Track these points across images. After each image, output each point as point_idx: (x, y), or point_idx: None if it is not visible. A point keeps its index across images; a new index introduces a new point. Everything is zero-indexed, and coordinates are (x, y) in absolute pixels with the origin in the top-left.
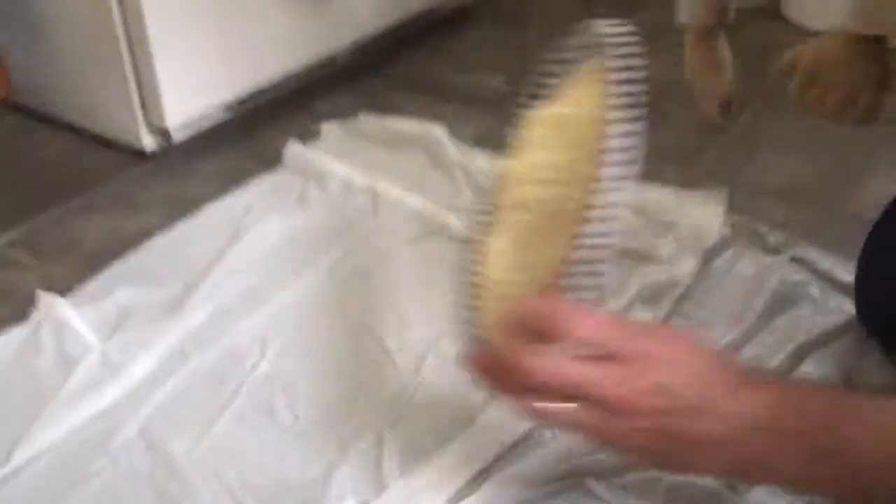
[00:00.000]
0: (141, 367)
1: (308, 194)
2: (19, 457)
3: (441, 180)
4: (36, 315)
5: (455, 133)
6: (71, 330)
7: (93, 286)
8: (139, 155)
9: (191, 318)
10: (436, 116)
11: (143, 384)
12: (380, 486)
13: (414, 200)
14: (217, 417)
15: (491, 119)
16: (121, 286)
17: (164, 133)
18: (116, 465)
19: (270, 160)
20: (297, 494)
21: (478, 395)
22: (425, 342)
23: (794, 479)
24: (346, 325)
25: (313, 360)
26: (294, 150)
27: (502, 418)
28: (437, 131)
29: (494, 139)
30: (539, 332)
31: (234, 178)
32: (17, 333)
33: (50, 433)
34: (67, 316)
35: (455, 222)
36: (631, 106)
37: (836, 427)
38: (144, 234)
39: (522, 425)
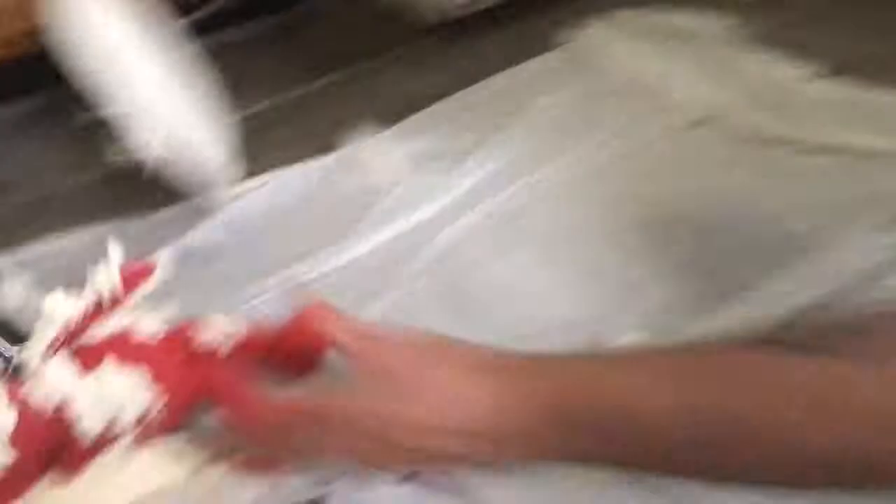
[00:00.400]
0: (434, 206)
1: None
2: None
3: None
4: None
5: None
6: (373, 165)
7: (387, 135)
8: (421, 28)
9: (478, 170)
10: None
11: (435, 220)
12: None
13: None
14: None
15: None
16: (414, 137)
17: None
18: (413, 284)
19: (545, 46)
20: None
21: None
22: None
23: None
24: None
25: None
26: (581, 35)
27: None
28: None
29: None
30: None
31: (510, 59)
32: (320, 165)
33: (348, 252)
34: (370, 155)
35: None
36: None
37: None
38: (431, 99)
39: None
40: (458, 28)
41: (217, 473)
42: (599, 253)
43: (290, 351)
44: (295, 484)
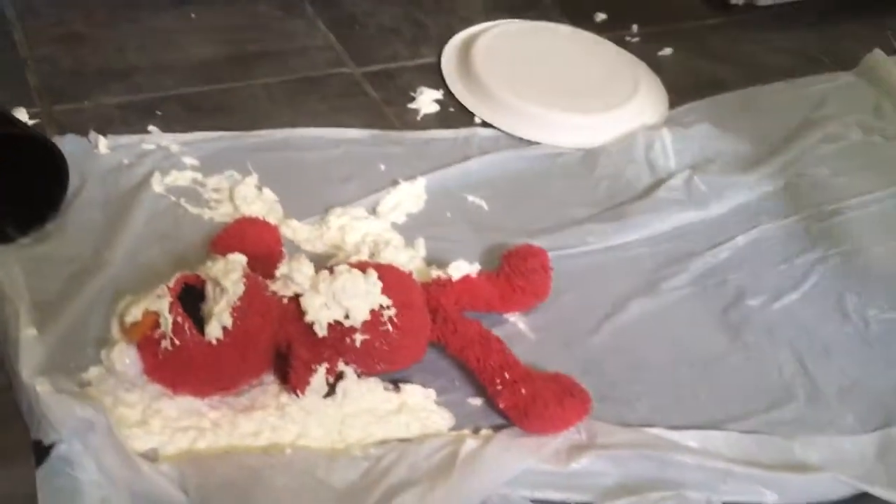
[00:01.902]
0: (720, 206)
1: (883, 108)
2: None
3: None
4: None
5: None
6: (659, 146)
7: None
8: (723, 7)
9: (765, 182)
10: None
11: (721, 221)
12: None
13: None
14: (790, 289)
15: None
16: (701, 122)
17: None
18: (690, 286)
19: (842, 61)
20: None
21: None
22: None
23: None
24: None
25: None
26: (876, 57)
27: None
28: None
29: None
30: None
31: (803, 63)
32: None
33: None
34: (657, 135)
35: None
36: None
37: None
38: (717, 84)
39: None
40: (761, 14)
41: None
42: None
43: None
44: None
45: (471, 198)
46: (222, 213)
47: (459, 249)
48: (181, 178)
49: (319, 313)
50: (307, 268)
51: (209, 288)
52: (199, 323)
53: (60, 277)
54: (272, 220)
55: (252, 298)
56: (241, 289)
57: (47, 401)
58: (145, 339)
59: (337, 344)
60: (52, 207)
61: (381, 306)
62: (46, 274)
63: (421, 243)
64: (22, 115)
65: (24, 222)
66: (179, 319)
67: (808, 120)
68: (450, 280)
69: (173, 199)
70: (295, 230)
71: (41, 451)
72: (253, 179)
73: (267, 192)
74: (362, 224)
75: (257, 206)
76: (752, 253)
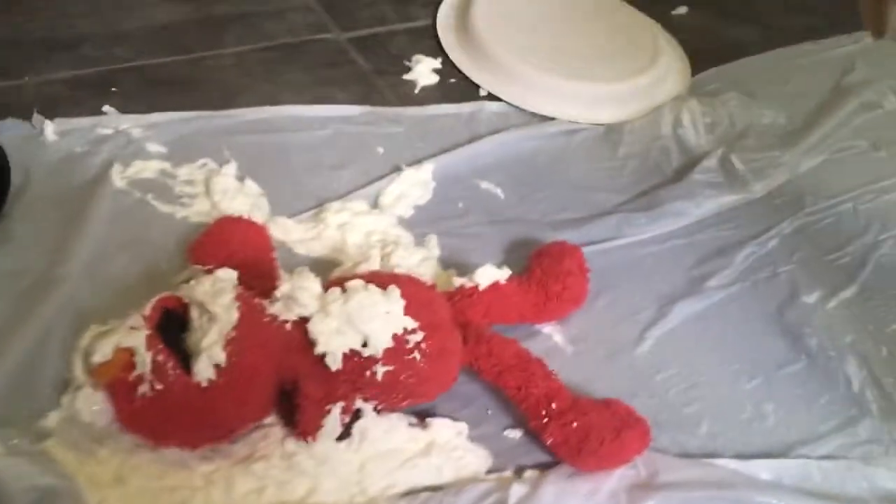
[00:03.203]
0: (761, 187)
1: None
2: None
3: None
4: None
5: None
6: (687, 121)
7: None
8: None
9: (806, 159)
10: None
11: (763, 204)
12: None
13: None
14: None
15: None
16: (727, 90)
17: None
18: (739, 283)
19: None
20: None
21: None
22: None
23: None
24: None
25: None
26: None
27: None
28: None
29: None
30: None
31: (825, 22)
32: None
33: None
34: (685, 108)
35: None
36: None
37: None
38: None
39: None
40: None
41: None
42: None
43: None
44: None
45: (483, 184)
46: (198, 211)
47: (477, 247)
48: (146, 168)
49: (332, 342)
50: (313, 285)
51: (194, 314)
52: (185, 358)
53: (6, 298)
54: (258, 218)
55: (249, 327)
56: (234, 315)
57: None
58: (118, 381)
59: (354, 378)
60: None
61: (406, 330)
62: None
63: (433, 241)
64: None
65: None
66: (161, 358)
67: (839, 86)
68: (476, 289)
69: (138, 194)
70: (286, 230)
71: None
72: (231, 168)
73: (249, 183)
74: (364, 220)
75: (239, 201)
76: (801, 240)
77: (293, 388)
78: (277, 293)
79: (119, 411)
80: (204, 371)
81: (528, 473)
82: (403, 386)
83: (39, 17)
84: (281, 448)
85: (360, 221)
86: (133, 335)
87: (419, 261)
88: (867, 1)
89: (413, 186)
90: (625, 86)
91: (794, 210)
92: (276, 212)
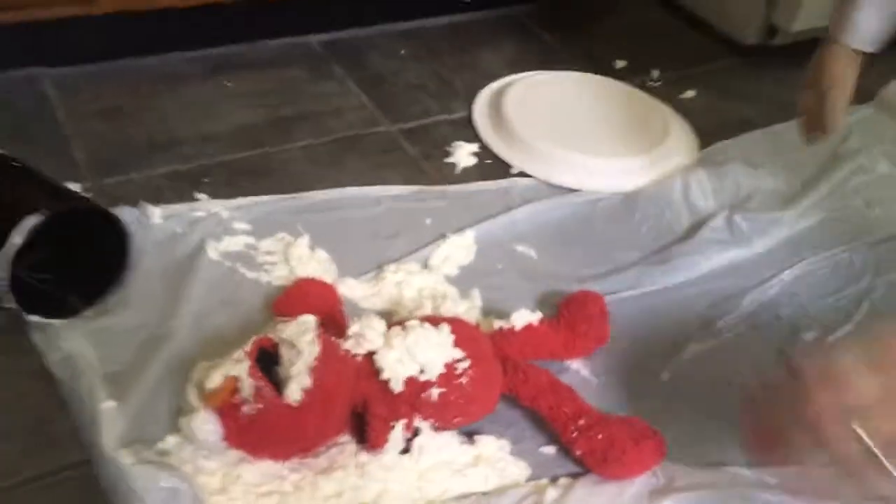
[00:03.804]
0: (763, 243)
1: None
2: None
3: None
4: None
5: None
6: (696, 187)
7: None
8: (737, 48)
9: (804, 217)
10: None
11: (765, 257)
12: None
13: None
14: (843, 321)
15: None
16: (733, 160)
17: (770, 31)
18: (744, 324)
19: (859, 93)
20: None
21: None
22: None
23: None
24: None
25: None
26: (893, 89)
27: None
28: None
29: None
30: None
31: None
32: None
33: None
34: (693, 176)
35: None
36: None
37: None
38: (743, 124)
39: None
40: (776, 53)
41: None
42: None
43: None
44: None
45: (519, 247)
46: (278, 276)
47: (514, 298)
48: (234, 243)
49: (395, 369)
50: (379, 325)
51: (283, 350)
52: (277, 386)
53: (129, 348)
54: (329, 279)
55: (328, 358)
56: (316, 349)
57: (131, 472)
58: (225, 404)
59: (413, 399)
60: (116, 278)
61: (455, 359)
62: (114, 345)
63: (476, 294)
64: (74, 188)
65: (88, 294)
66: (260, 384)
67: (836, 153)
68: (513, 329)
69: (229, 264)
70: (352, 288)
71: None
72: (305, 240)
73: (320, 251)
74: (417, 278)
75: (312, 266)
76: (800, 287)
77: (363, 409)
78: (350, 332)
79: (226, 429)
80: (294, 393)
81: (562, 481)
82: (454, 406)
83: (142, 124)
84: (355, 459)
85: (413, 279)
86: (237, 366)
87: (464, 310)
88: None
89: (458, 250)
90: (639, 159)
91: (794, 261)
92: (342, 274)
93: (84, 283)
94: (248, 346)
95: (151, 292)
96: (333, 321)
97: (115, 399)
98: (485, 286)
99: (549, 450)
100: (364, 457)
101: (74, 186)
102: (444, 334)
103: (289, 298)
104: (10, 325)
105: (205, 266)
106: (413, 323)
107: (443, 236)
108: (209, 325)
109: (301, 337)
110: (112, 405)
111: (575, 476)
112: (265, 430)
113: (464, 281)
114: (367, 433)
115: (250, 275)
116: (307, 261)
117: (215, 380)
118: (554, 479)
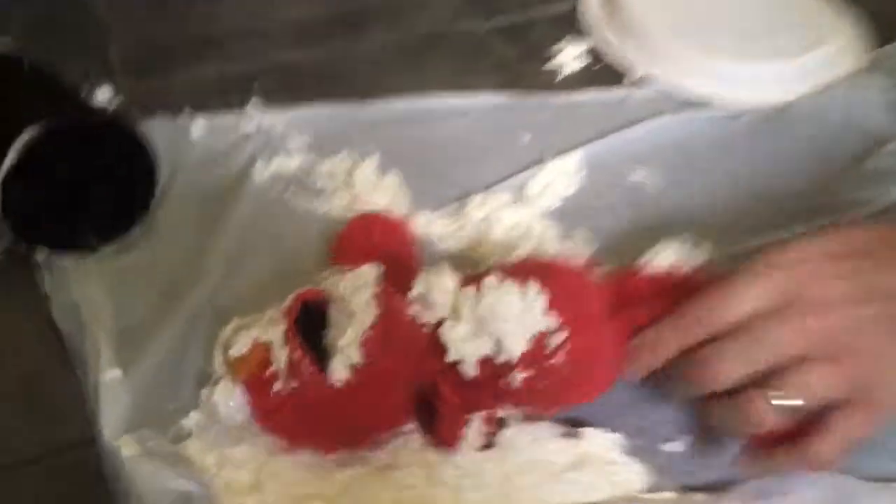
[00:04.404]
0: None
1: None
2: None
3: None
4: None
5: None
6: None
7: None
8: None
9: None
10: None
11: None
12: None
13: None
14: None
15: None
16: None
17: None
18: None
19: None
20: None
21: None
22: None
23: None
24: None
25: None
26: None
27: None
28: None
29: None
30: None
31: None
32: None
33: None
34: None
35: None
36: None
37: None
38: None
39: None
40: None
41: None
42: None
43: None
44: None
45: (634, 175)
46: (339, 206)
47: (629, 244)
48: (288, 163)
49: (464, 348)
50: (448, 282)
51: (334, 311)
52: (324, 356)
53: (150, 296)
54: (399, 211)
55: (387, 327)
56: (372, 314)
57: (134, 469)
58: (254, 378)
59: (491, 385)
60: (141, 208)
61: (547, 330)
62: (133, 291)
63: (582, 236)
64: (105, 92)
65: (107, 227)
66: (297, 355)
67: None
68: (643, 277)
69: (280, 190)
70: (427, 224)
71: None
72: (373, 161)
73: (390, 176)
74: (508, 213)
75: (379, 193)
76: None
77: (432, 394)
78: (412, 293)
79: (255, 408)
80: (338, 371)
81: (699, 497)
82: (545, 394)
83: (189, 17)
84: (422, 457)
85: (503, 214)
86: (271, 330)
87: (567, 256)
88: None
89: (560, 177)
90: (792, 64)
91: None
92: (416, 204)
93: (103, 213)
94: (288, 302)
95: (183, 225)
96: (403, 268)
97: (125, 365)
98: (592, 226)
99: (675, 447)
100: (433, 455)
101: (105, 91)
102: (532, 296)
103: (348, 238)
104: (17, 266)
105: (250, 193)
106: (490, 281)
107: (542, 159)
108: (249, 269)
109: (355, 295)
110: (117, 375)
111: (712, 489)
112: (301, 416)
113: (566, 217)
114: (436, 426)
115: (304, 204)
116: (374, 187)
117: (242, 345)
118: (683, 491)
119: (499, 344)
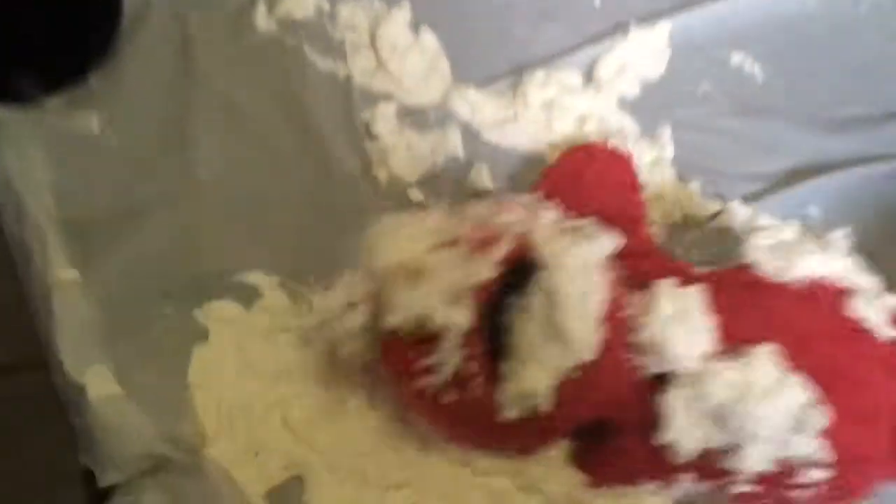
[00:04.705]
0: None
1: None
2: None
3: None
4: None
5: None
6: None
7: None
8: None
9: None
10: None
11: None
12: None
13: None
14: None
15: None
16: None
17: None
18: None
19: None
20: None
21: None
22: None
23: None
24: None
25: None
26: None
27: None
28: None
29: None
30: None
31: None
32: None
33: None
34: None
35: None
36: None
37: None
38: None
39: None
40: None
41: None
42: None
43: None
44: None
45: (735, 58)
46: (362, 69)
47: (724, 147)
48: (299, 5)
49: (684, 435)
50: (700, 344)
51: (534, 300)
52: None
53: (113, 172)
54: (436, 81)
55: (601, 376)
56: (587, 342)
57: (103, 416)
58: (405, 361)
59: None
60: (99, 50)
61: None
62: (93, 165)
63: (667, 135)
64: None
65: (54, 72)
66: (471, 368)
67: None
68: None
69: (290, 41)
70: (472, 105)
71: (97, 496)
72: (404, 13)
73: (426, 35)
74: (575, 99)
75: (412, 59)
76: None
77: (608, 429)
78: (645, 333)
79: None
80: (511, 412)
81: None
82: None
83: None
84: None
85: (570, 101)
86: (454, 314)
87: (650, 163)
88: None
89: (641, 54)
90: None
91: None
92: (458, 77)
93: (49, 54)
94: (491, 266)
95: (159, 76)
96: (634, 238)
97: (85, 262)
98: (679, 121)
99: None
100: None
101: None
102: (793, 388)
103: (559, 173)
104: None
105: (252, 40)
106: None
107: (621, 29)
108: (248, 142)
109: (573, 283)
110: (74, 276)
111: None
112: (452, 420)
113: (647, 109)
114: (595, 458)
115: (321, 63)
116: (405, 50)
117: (403, 316)
118: None
119: (735, 445)
